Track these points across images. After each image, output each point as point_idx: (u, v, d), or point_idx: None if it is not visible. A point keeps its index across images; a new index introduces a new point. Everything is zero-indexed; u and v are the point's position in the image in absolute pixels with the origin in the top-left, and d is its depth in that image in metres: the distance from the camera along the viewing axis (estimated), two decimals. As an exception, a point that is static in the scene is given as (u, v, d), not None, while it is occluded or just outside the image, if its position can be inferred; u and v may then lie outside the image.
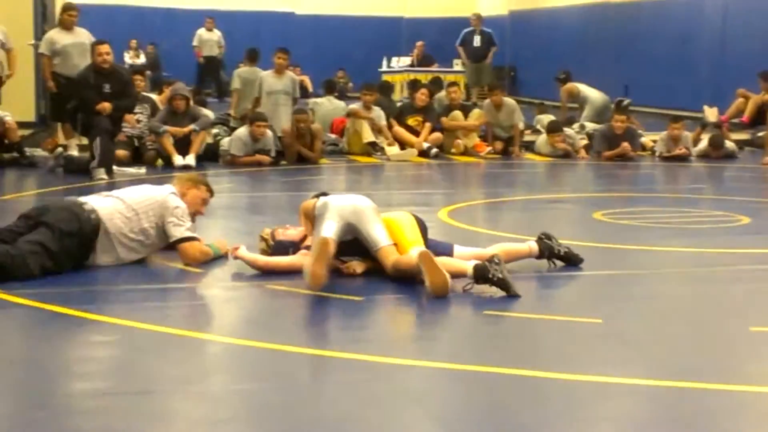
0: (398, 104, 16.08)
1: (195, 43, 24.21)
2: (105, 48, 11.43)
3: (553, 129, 14.45)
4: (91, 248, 6.46)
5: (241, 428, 3.93)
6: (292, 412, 4.06)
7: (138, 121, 12.90)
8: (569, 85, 17.61)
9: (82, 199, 6.70)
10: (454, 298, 6.01)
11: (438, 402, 4.30)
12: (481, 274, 5.97)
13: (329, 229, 6.14)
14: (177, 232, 6.61)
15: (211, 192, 7.07)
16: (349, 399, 4.26)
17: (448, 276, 5.84)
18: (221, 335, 5.20)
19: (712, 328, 5.54)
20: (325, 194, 6.60)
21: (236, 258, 6.51)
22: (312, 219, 6.46)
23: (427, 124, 14.31)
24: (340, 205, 6.30)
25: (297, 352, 4.86)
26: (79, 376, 4.61)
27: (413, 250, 6.07)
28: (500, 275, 5.93)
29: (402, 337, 5.47)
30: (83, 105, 11.37)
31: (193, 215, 6.85)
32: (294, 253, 6.47)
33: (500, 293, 5.91)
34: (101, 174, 11.07)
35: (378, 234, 6.26)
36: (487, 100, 15.06)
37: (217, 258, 6.75)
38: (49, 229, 6.30)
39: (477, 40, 23.56)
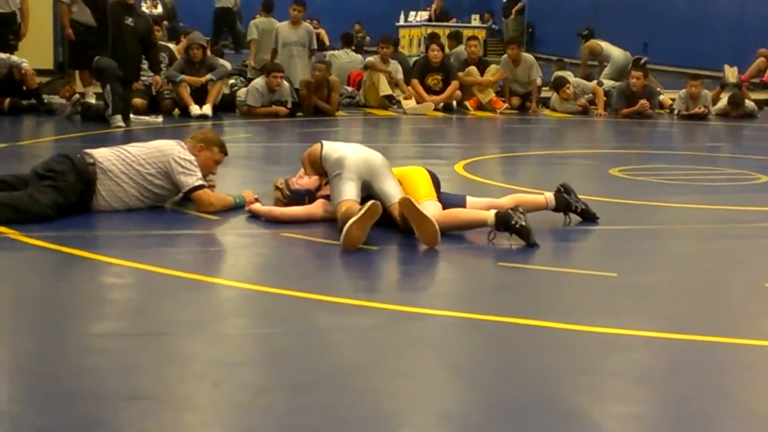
0: (413, 59, 16.00)
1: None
2: None
3: (559, 84, 14.42)
4: (93, 185, 6.46)
5: (257, 371, 3.95)
6: (308, 357, 4.08)
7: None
8: (591, 42, 17.47)
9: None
10: (469, 249, 6.03)
11: (451, 350, 4.31)
12: (504, 222, 5.97)
13: (352, 192, 6.11)
14: (189, 180, 6.59)
15: (224, 152, 6.96)
16: (364, 346, 4.28)
17: (435, 223, 5.80)
18: (236, 281, 5.21)
19: (726, 284, 5.55)
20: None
21: (249, 211, 6.54)
22: (319, 167, 6.41)
23: (454, 82, 14.16)
24: (356, 163, 6.19)
25: (312, 299, 4.88)
26: (96, 317, 4.64)
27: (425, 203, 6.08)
28: (523, 223, 5.94)
29: (417, 287, 5.48)
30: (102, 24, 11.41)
31: (205, 176, 6.79)
32: (310, 201, 6.48)
33: (516, 245, 5.92)
34: (118, 121, 11.07)
35: (391, 189, 6.21)
36: (505, 55, 14.98)
37: (240, 207, 6.74)
38: (47, 174, 6.35)
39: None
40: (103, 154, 6.59)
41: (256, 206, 6.54)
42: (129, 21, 11.32)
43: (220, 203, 6.66)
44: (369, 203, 5.81)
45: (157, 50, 12.11)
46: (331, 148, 6.35)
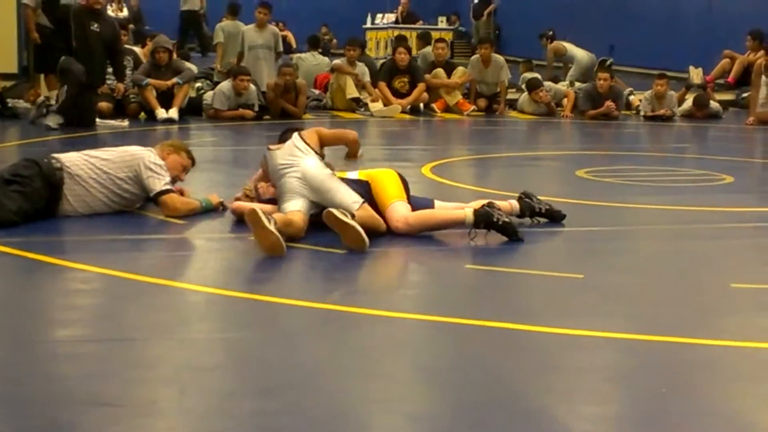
0: (380, 62, 16.03)
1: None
2: None
3: (533, 86, 14.41)
4: (59, 190, 6.42)
5: (224, 375, 3.94)
6: (275, 361, 4.07)
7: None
8: (555, 43, 17.55)
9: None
10: (437, 252, 6.03)
11: (419, 353, 4.32)
12: (485, 219, 5.98)
13: (294, 206, 6.06)
14: (156, 185, 6.56)
15: (192, 160, 6.99)
16: (331, 349, 4.27)
17: (358, 228, 5.75)
18: (203, 285, 5.20)
19: (693, 284, 5.57)
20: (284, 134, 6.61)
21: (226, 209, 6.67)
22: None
23: (420, 85, 14.15)
24: (293, 187, 6.12)
25: (279, 303, 4.87)
26: (61, 323, 4.61)
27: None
28: (505, 219, 5.97)
29: (385, 290, 5.48)
30: (63, 29, 11.38)
31: (173, 181, 6.77)
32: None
33: (493, 244, 5.99)
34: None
35: (343, 200, 6.06)
36: (475, 56, 14.99)
37: (207, 211, 6.72)
38: (13, 179, 6.31)
39: (476, -3, 23.64)
40: (71, 159, 6.56)
41: (237, 203, 6.56)
42: (95, 27, 11.29)
43: (185, 207, 6.63)
44: (246, 213, 5.75)
45: (122, 57, 12.09)
46: (272, 167, 6.30)
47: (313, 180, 6.15)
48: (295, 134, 6.47)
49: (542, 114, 14.23)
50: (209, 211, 6.72)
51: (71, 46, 11.29)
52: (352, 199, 6.09)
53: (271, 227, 5.60)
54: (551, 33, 17.97)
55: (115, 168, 6.57)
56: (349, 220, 5.78)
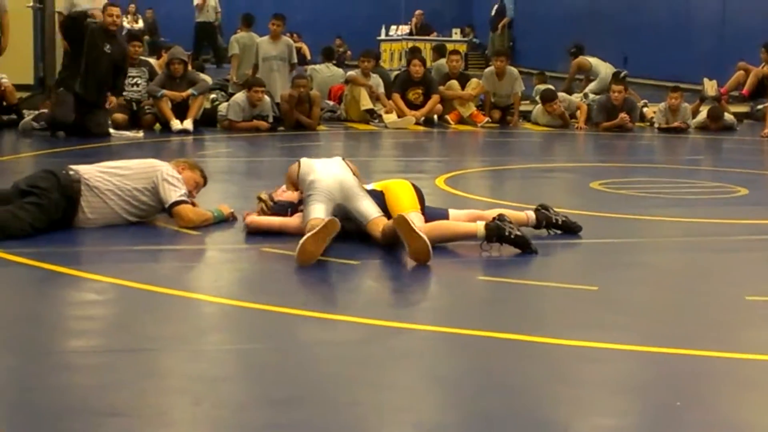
0: (394, 73, 16.04)
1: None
2: (116, 10, 11.72)
3: (547, 97, 14.38)
4: (76, 201, 6.44)
5: (237, 387, 3.94)
6: (288, 373, 4.07)
7: (136, 85, 12.86)
8: (581, 58, 17.52)
9: None
10: (450, 263, 6.03)
11: (432, 364, 4.31)
12: (497, 233, 5.99)
13: (320, 213, 6.08)
14: (172, 195, 6.59)
15: (205, 178, 7.06)
16: (344, 360, 4.27)
17: (427, 240, 5.77)
18: (216, 296, 5.20)
19: (708, 297, 5.55)
20: None
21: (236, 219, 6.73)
22: (297, 185, 6.48)
23: (435, 97, 14.16)
24: (327, 186, 6.21)
25: (292, 314, 4.87)
26: (75, 333, 4.63)
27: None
28: (517, 233, 5.97)
29: (397, 301, 5.48)
30: (76, 48, 11.52)
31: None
32: (292, 213, 6.49)
33: (506, 256, 5.98)
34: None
35: (366, 208, 6.22)
36: (490, 68, 14.98)
37: (219, 222, 6.75)
38: (31, 192, 6.33)
39: (493, 10, 23.69)
40: (88, 171, 6.59)
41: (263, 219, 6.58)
42: (107, 48, 11.37)
43: (198, 218, 6.66)
44: (327, 219, 5.83)
45: (124, 77, 12.16)
46: (306, 169, 6.41)
47: (345, 182, 6.28)
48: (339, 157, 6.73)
49: (556, 126, 14.21)
50: (221, 221, 6.75)
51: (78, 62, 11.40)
52: (375, 210, 6.20)
53: (325, 243, 5.72)
54: (574, 50, 17.95)
55: (133, 179, 6.60)
56: (420, 231, 5.79)
